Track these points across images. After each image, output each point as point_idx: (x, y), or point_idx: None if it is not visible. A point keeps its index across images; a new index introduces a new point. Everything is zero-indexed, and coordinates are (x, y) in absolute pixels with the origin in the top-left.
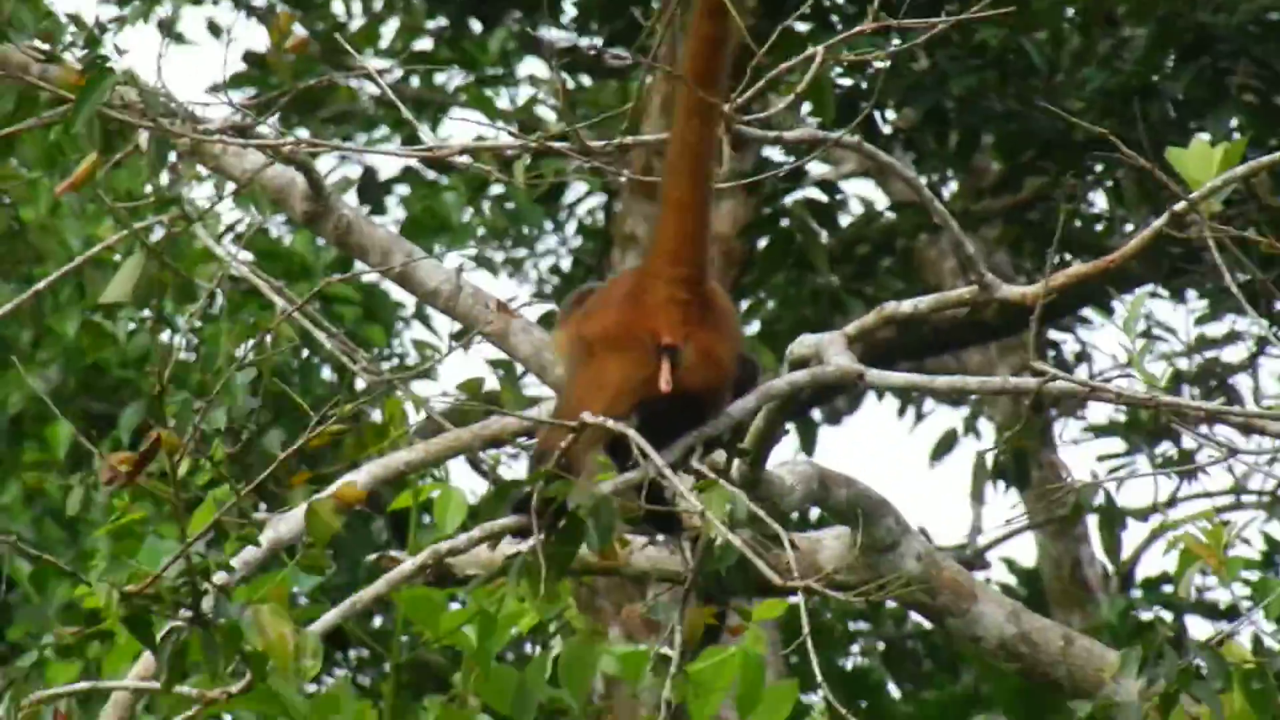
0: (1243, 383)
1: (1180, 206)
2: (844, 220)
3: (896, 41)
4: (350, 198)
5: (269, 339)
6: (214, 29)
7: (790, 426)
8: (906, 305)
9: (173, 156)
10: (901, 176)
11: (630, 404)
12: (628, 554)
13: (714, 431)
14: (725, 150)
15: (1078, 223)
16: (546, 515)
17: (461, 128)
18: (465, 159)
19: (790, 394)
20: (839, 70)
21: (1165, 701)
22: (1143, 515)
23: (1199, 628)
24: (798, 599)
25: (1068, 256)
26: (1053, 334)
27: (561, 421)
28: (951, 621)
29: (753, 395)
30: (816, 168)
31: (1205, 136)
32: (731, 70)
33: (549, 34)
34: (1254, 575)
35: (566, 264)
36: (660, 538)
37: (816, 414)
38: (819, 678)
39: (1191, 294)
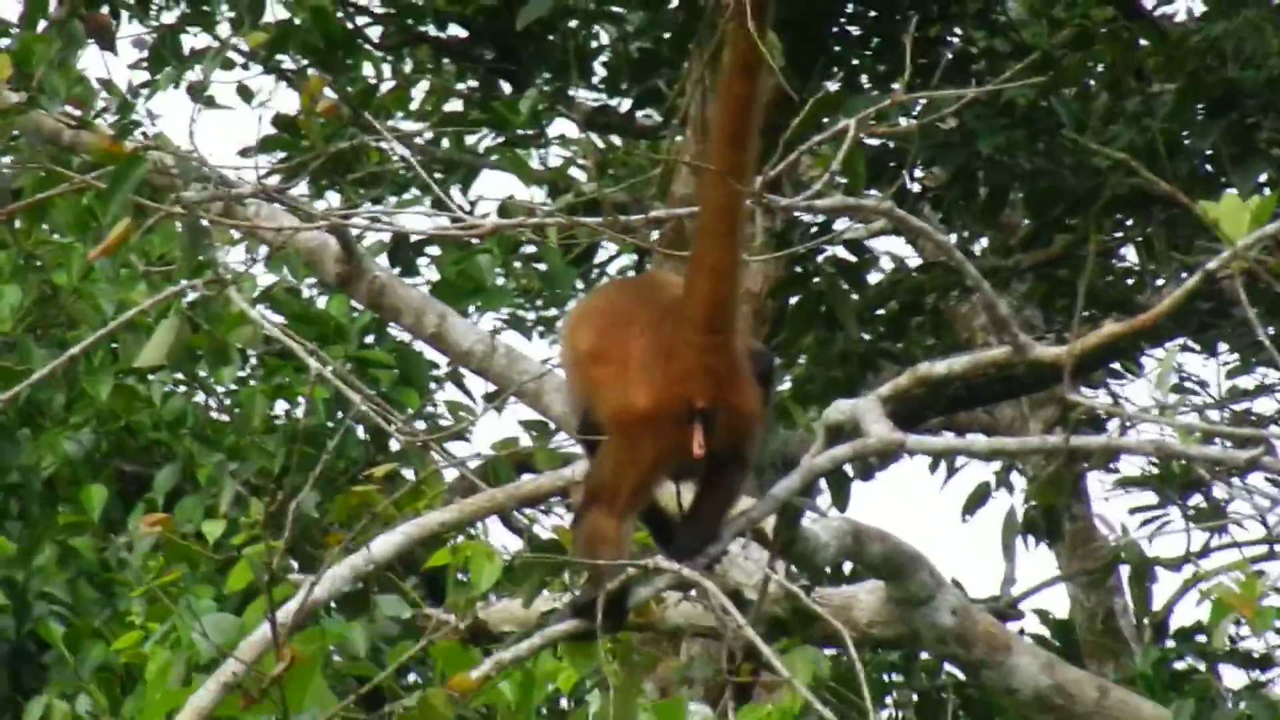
0: (1275, 434)
1: (1215, 264)
2: (875, 278)
3: (923, 103)
4: (382, 260)
5: (303, 402)
6: (245, 93)
7: (823, 483)
8: (940, 366)
9: (204, 222)
10: (934, 240)
11: (664, 475)
12: (663, 610)
13: (760, 515)
14: (757, 218)
15: (1108, 278)
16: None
17: (494, 188)
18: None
19: (832, 467)
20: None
21: None
22: (1175, 566)
23: (1232, 677)
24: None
25: (1094, 312)
26: (1084, 390)
27: (633, 563)
28: (987, 674)
29: (797, 474)
30: (846, 226)
31: (1233, 191)
32: (763, 132)
33: (579, 95)
34: None
35: None
36: (694, 593)
37: (848, 469)
38: None
39: (1223, 347)
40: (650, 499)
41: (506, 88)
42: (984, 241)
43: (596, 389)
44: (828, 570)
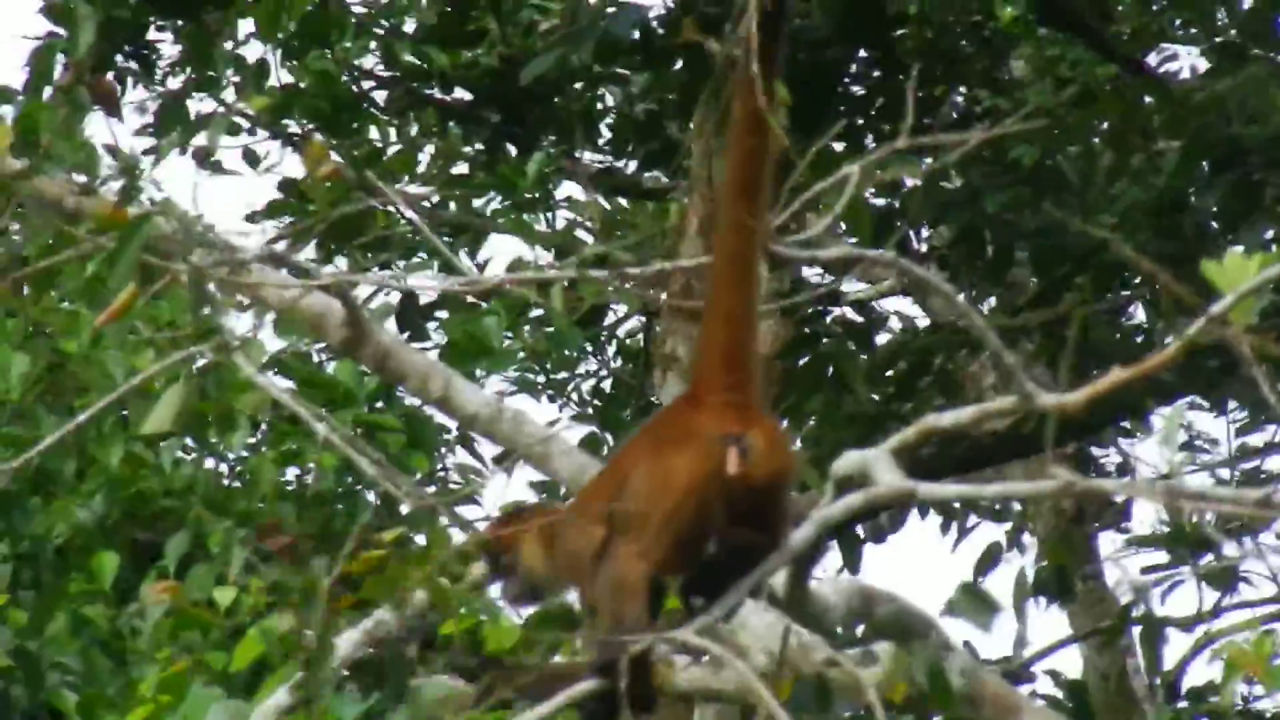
0: None
1: (1218, 309)
2: (883, 339)
3: (929, 161)
4: (390, 324)
5: (312, 468)
6: (251, 158)
7: (833, 543)
8: (947, 418)
9: (210, 287)
10: (938, 290)
11: (699, 501)
12: (671, 674)
13: (777, 568)
14: (763, 270)
15: (1117, 335)
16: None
17: (501, 251)
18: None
19: (844, 519)
20: (872, 189)
21: None
22: (1187, 626)
23: None
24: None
25: (1101, 370)
26: (1094, 449)
27: (659, 635)
28: None
29: (809, 524)
30: (853, 287)
31: (1239, 249)
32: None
33: (585, 157)
34: None
35: (607, 385)
36: (705, 659)
37: (859, 530)
38: None
39: (1232, 404)
40: (679, 542)
41: (512, 150)
42: (991, 301)
43: (638, 453)
44: (837, 631)
